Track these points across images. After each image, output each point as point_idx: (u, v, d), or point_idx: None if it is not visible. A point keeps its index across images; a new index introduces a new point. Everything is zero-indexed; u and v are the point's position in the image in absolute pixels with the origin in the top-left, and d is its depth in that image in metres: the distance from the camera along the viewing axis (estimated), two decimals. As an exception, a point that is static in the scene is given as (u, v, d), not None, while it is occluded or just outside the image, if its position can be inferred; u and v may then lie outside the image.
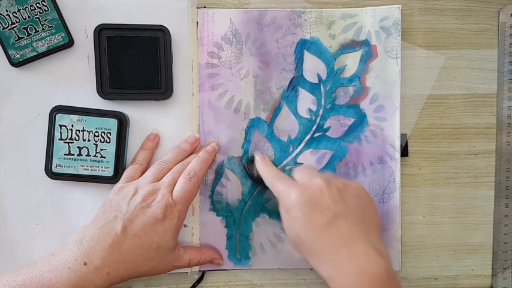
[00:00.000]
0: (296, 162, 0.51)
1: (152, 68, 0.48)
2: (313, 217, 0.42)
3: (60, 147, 0.47)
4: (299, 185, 0.44)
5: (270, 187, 0.47)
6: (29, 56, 0.48)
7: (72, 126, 0.47)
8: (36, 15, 0.47)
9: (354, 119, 0.51)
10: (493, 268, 0.53)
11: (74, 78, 0.49)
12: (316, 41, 0.51)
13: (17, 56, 0.48)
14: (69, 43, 0.48)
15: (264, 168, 0.48)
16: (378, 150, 0.51)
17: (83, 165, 0.47)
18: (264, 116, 0.51)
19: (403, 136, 0.52)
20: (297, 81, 0.51)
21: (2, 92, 0.49)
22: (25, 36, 0.47)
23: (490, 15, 0.52)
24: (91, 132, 0.47)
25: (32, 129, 0.49)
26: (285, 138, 0.51)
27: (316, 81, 0.51)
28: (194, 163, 0.47)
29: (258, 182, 0.50)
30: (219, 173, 0.51)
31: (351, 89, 0.51)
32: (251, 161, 0.51)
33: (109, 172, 0.48)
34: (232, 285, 0.52)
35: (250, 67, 0.51)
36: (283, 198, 0.44)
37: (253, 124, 0.51)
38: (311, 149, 0.51)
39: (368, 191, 0.51)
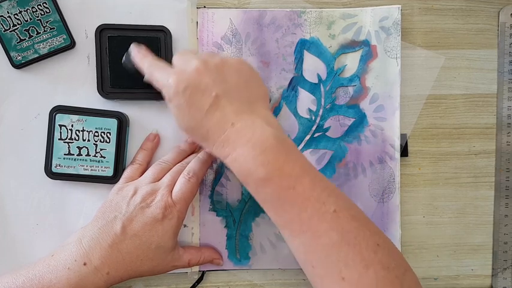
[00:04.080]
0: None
1: (152, 68, 0.48)
2: (195, 101, 0.40)
3: (60, 147, 0.47)
4: (176, 71, 0.42)
5: (148, 79, 0.44)
6: (30, 58, 0.48)
7: (72, 126, 0.47)
8: (37, 17, 0.47)
9: (353, 119, 0.51)
10: (493, 268, 0.53)
11: (74, 78, 0.49)
12: (316, 41, 0.51)
13: (19, 58, 0.48)
14: (70, 45, 0.48)
15: (141, 59, 0.45)
16: (377, 150, 0.51)
17: (82, 165, 0.48)
18: (263, 116, 0.51)
19: (403, 136, 0.52)
20: (296, 81, 0.51)
21: (2, 93, 0.49)
22: (27, 38, 0.47)
23: (490, 15, 0.52)
24: (91, 132, 0.47)
25: (32, 129, 0.49)
26: (284, 138, 0.51)
27: (316, 81, 0.51)
28: (194, 163, 0.47)
29: (135, 75, 0.46)
30: (219, 173, 0.51)
31: (350, 89, 0.51)
32: (129, 54, 0.47)
33: (109, 172, 0.48)
34: (232, 285, 0.52)
35: (250, 67, 0.51)
36: (163, 88, 0.42)
37: (253, 124, 0.51)
38: (311, 149, 0.51)
39: (368, 191, 0.51)
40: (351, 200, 0.41)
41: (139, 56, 0.45)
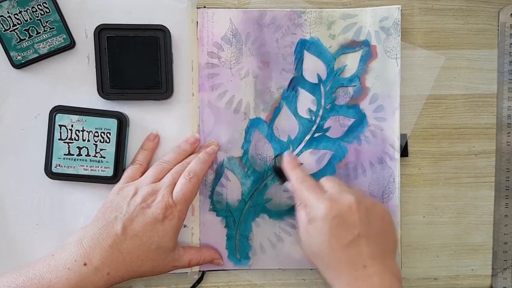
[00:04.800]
0: (296, 163, 0.51)
1: (152, 68, 0.48)
2: (339, 233, 0.43)
3: (60, 147, 0.47)
4: (329, 198, 0.44)
5: (295, 191, 0.47)
6: (30, 57, 0.48)
7: (72, 126, 0.47)
8: (37, 17, 0.47)
9: (353, 119, 0.51)
10: (493, 268, 0.53)
11: (74, 78, 0.49)
12: (316, 41, 0.51)
13: (19, 57, 0.48)
14: (70, 44, 0.48)
15: (292, 170, 0.48)
16: (377, 151, 0.51)
17: (82, 165, 0.47)
18: (264, 116, 0.51)
19: (403, 136, 0.52)
20: (296, 82, 0.51)
21: (2, 93, 0.49)
22: (27, 38, 0.47)
23: (490, 15, 0.52)
24: (91, 132, 0.47)
25: (32, 129, 0.49)
26: (284, 139, 0.51)
27: (316, 82, 0.51)
28: (194, 164, 0.47)
29: (283, 179, 0.50)
30: (219, 173, 0.51)
31: (350, 89, 0.51)
32: (279, 157, 0.50)
33: (109, 172, 0.48)
34: (232, 285, 0.52)
35: (250, 67, 0.51)
36: (309, 208, 0.44)
37: (253, 124, 0.51)
38: (311, 149, 0.51)
39: (368, 192, 0.51)
40: None
41: (290, 165, 0.49)
